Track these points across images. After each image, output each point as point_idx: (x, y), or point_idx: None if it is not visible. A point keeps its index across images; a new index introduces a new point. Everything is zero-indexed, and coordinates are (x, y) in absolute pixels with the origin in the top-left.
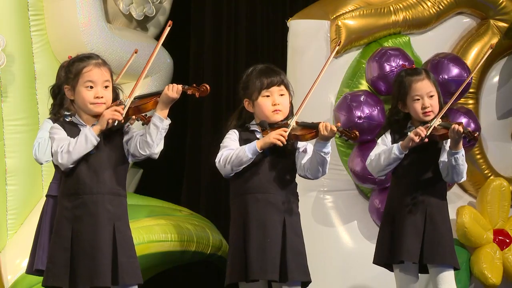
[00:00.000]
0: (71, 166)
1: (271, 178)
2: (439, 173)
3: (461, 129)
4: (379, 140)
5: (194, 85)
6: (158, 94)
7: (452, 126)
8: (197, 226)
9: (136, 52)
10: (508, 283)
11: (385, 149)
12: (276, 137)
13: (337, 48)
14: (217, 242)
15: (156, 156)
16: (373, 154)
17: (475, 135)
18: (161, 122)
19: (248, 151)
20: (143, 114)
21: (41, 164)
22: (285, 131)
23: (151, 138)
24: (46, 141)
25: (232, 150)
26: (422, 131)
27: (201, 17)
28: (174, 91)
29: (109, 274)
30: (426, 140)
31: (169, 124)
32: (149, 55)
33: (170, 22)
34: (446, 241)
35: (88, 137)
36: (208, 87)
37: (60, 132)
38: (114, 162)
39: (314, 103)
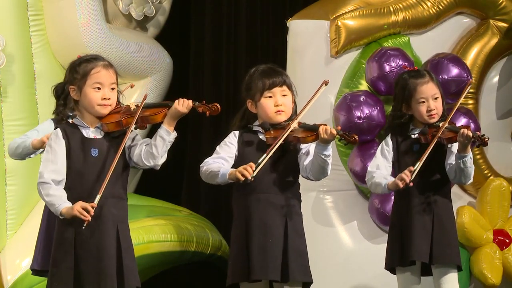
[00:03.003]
0: None
1: (273, 179)
2: (445, 174)
3: (470, 133)
4: (378, 150)
5: (204, 102)
6: (166, 106)
7: (461, 131)
8: (197, 226)
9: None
10: (508, 283)
11: (380, 180)
12: (241, 171)
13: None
14: (217, 242)
15: (159, 167)
16: (371, 170)
17: (485, 140)
18: (168, 135)
19: (220, 177)
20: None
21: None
22: (252, 167)
23: (156, 150)
24: (24, 143)
25: (214, 164)
26: (407, 176)
27: (201, 17)
28: (184, 106)
29: (115, 276)
30: (411, 184)
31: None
32: (149, 55)
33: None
34: (453, 242)
35: (56, 210)
36: (219, 107)
37: (54, 150)
38: (117, 166)
39: (314, 103)
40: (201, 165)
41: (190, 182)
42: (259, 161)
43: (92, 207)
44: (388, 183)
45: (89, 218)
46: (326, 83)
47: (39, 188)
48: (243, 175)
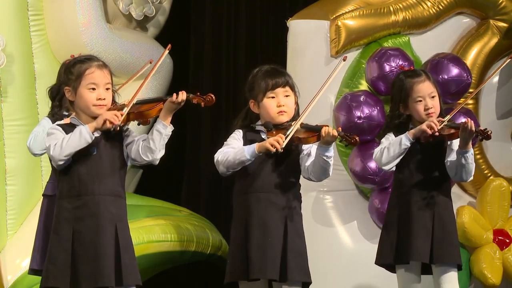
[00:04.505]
0: (61, 162)
1: (274, 179)
2: (445, 172)
3: (473, 128)
4: (383, 139)
5: (199, 93)
6: (161, 100)
7: (465, 123)
8: (197, 226)
9: (151, 62)
10: (508, 283)
11: (392, 141)
12: (271, 142)
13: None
14: (217, 242)
15: (157, 162)
16: (379, 148)
17: (488, 133)
18: (164, 129)
19: (247, 153)
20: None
21: (34, 155)
22: (282, 138)
23: (154, 144)
24: (42, 134)
25: (232, 149)
26: (436, 124)
27: (201, 17)
28: (179, 98)
29: (112, 275)
30: (437, 134)
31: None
32: (149, 55)
33: (169, 46)
34: (454, 240)
35: (83, 134)
36: (214, 98)
37: (58, 131)
38: (114, 164)
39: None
40: (215, 155)
41: (190, 182)
42: (288, 133)
43: (122, 115)
44: (407, 132)
45: (119, 122)
46: (344, 59)
47: (54, 152)
48: (273, 146)
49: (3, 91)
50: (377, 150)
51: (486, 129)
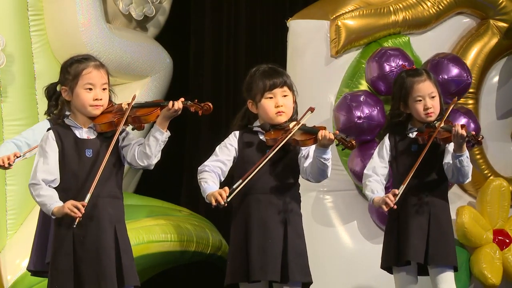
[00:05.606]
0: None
1: (273, 180)
2: (443, 174)
3: (464, 133)
4: (376, 151)
5: (196, 100)
6: (159, 106)
7: (455, 129)
8: (197, 226)
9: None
10: (508, 283)
11: (369, 192)
12: (215, 195)
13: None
14: (217, 242)
15: (152, 167)
16: (367, 173)
17: (479, 139)
18: (161, 135)
19: (203, 193)
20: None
21: None
22: (226, 192)
23: (150, 150)
24: (14, 145)
25: (207, 175)
26: (391, 200)
27: (201, 17)
28: (176, 106)
29: (114, 276)
30: (395, 207)
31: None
32: (149, 55)
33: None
34: (450, 242)
35: (48, 209)
36: (211, 106)
37: (45, 151)
38: (112, 166)
39: (314, 103)
40: (199, 168)
41: (189, 182)
42: (234, 187)
43: (83, 205)
44: (373, 199)
45: (80, 215)
46: (312, 110)
47: (30, 189)
48: (216, 200)
49: (3, 91)
50: (365, 173)
51: (478, 134)
